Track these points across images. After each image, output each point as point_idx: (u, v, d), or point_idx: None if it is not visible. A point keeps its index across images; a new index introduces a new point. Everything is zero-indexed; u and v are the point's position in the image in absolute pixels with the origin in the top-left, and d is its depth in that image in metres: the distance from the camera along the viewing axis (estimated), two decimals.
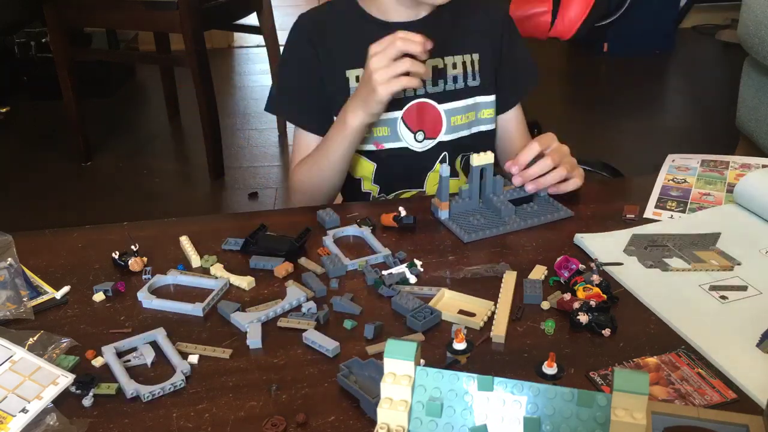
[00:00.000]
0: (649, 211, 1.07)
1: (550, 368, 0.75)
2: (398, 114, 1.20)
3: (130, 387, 0.75)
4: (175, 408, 0.74)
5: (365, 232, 1.02)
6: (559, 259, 0.92)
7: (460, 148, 1.26)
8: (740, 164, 1.20)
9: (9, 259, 0.94)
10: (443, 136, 1.23)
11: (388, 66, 1.02)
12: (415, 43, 1.02)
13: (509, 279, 0.91)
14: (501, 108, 1.29)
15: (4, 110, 3.33)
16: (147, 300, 0.89)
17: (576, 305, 0.84)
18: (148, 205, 2.63)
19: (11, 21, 3.14)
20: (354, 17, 1.21)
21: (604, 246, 0.97)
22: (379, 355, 0.79)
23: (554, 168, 1.08)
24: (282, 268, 0.94)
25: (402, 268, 0.94)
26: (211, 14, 2.75)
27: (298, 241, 0.98)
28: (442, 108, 1.22)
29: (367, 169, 1.24)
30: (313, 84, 1.20)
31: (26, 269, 0.95)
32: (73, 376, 0.76)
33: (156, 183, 2.82)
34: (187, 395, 0.76)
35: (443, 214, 1.06)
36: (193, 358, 0.80)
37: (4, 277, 0.91)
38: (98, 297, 0.91)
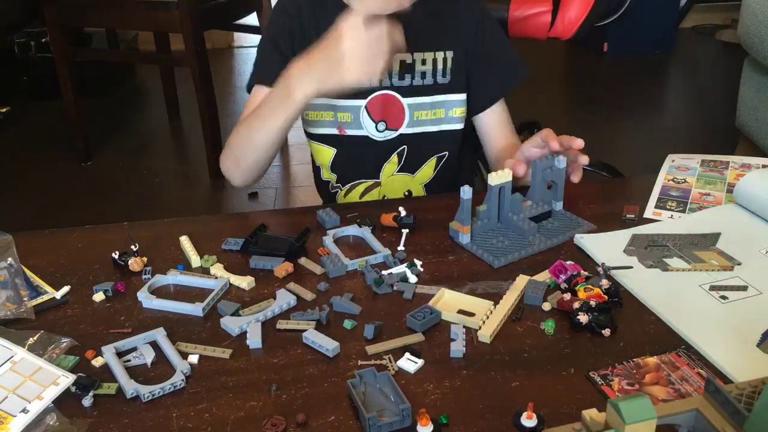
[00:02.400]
0: (649, 211, 1.07)
1: (529, 420, 0.70)
2: (362, 103, 1.20)
3: (130, 387, 0.75)
4: (175, 408, 0.74)
5: (365, 232, 1.02)
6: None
7: (423, 143, 1.25)
8: (740, 164, 1.20)
9: (9, 259, 0.94)
10: (404, 129, 1.23)
11: (368, 58, 0.97)
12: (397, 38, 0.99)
13: (520, 284, 0.90)
14: (475, 108, 1.27)
15: (4, 110, 3.33)
16: (147, 300, 0.89)
17: (576, 305, 0.84)
18: (148, 205, 2.63)
19: (11, 21, 3.14)
20: (332, 3, 1.13)
21: (605, 246, 0.97)
22: (379, 356, 0.80)
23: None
24: (282, 268, 0.94)
25: (402, 268, 0.94)
26: (211, 14, 2.75)
27: (298, 241, 0.98)
28: (406, 102, 1.21)
29: (326, 156, 1.25)
30: (284, 51, 1.16)
31: (26, 269, 0.95)
32: (74, 376, 0.76)
33: (156, 183, 2.82)
34: (187, 395, 0.76)
35: (464, 238, 0.99)
36: (193, 358, 0.80)
37: (4, 277, 0.91)
38: (98, 297, 0.91)
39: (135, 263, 0.95)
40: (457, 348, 0.80)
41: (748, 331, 0.82)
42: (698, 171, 1.18)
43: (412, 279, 0.92)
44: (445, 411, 0.72)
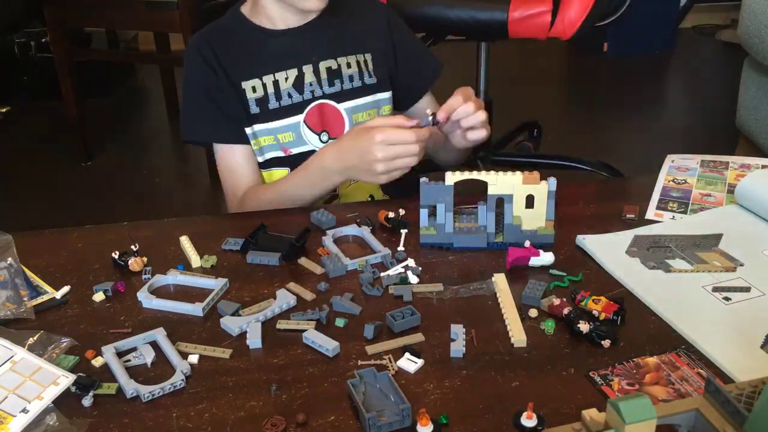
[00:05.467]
0: (651, 212, 1.07)
1: (529, 420, 0.70)
2: (300, 118, 1.21)
3: (130, 387, 0.75)
4: (175, 408, 0.74)
5: (365, 231, 1.02)
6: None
7: None
8: (740, 164, 1.19)
9: (9, 259, 0.94)
10: None
11: (392, 159, 1.04)
12: (413, 143, 1.04)
13: (500, 282, 0.90)
14: (407, 101, 1.31)
15: (4, 110, 3.32)
16: (147, 300, 0.89)
17: (566, 311, 0.83)
18: (148, 205, 2.63)
19: (11, 21, 3.13)
20: (243, 30, 1.24)
21: (607, 247, 0.97)
22: (379, 356, 0.80)
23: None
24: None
25: (401, 268, 0.94)
26: (211, 14, 2.75)
27: (298, 241, 0.98)
28: (342, 107, 1.23)
29: (281, 176, 1.22)
30: (216, 99, 1.21)
31: (26, 269, 0.95)
32: (74, 376, 0.76)
33: (156, 183, 2.81)
34: (187, 395, 0.76)
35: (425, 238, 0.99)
36: (193, 358, 0.80)
37: (4, 277, 0.91)
38: (98, 297, 0.91)
39: (135, 263, 0.95)
40: (457, 348, 0.80)
41: (751, 332, 0.82)
42: (698, 171, 1.18)
43: (413, 280, 0.92)
44: (445, 411, 0.72)
